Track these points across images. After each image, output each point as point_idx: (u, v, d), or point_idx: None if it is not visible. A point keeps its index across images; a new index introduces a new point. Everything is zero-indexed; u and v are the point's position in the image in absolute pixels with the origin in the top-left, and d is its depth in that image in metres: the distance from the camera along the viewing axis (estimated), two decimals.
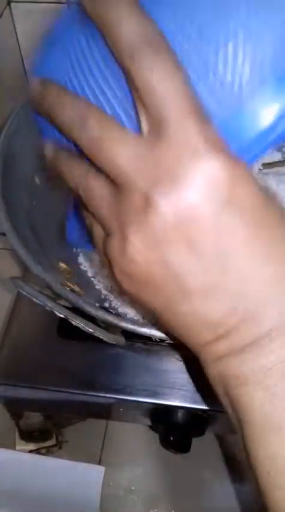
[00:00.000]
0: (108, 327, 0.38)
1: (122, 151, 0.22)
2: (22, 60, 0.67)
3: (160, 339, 0.39)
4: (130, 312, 0.45)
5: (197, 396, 0.45)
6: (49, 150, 0.28)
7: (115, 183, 0.23)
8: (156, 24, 0.21)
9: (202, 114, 0.21)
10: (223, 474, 0.59)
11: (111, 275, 0.25)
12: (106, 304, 0.46)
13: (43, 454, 0.60)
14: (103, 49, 0.22)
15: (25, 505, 0.56)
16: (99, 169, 0.23)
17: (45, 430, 0.61)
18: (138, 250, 0.22)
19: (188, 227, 0.21)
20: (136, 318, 0.45)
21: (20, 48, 0.66)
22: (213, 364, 0.25)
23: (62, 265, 0.46)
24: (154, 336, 0.36)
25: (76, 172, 0.25)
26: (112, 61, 0.22)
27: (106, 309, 0.43)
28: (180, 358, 0.46)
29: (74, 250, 0.52)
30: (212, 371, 0.25)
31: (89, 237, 0.28)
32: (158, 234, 0.22)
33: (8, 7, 0.61)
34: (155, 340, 0.40)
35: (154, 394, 0.45)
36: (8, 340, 0.49)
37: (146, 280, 0.23)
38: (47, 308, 0.34)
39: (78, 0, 0.23)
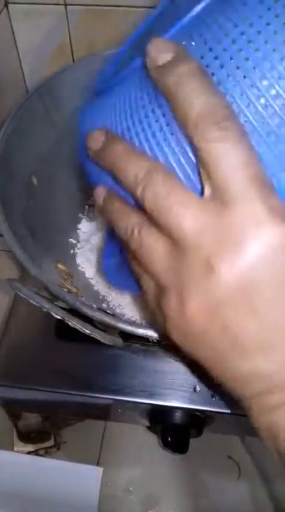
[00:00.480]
0: (106, 328, 0.38)
1: (187, 214, 0.22)
2: (20, 62, 0.67)
3: (158, 340, 0.39)
4: (128, 313, 0.45)
5: (195, 396, 0.45)
6: (100, 194, 0.28)
7: (174, 242, 0.23)
8: (224, 96, 0.22)
9: (265, 183, 0.22)
10: (221, 474, 0.59)
11: (161, 325, 0.26)
12: (104, 305, 0.46)
13: (41, 455, 0.60)
14: (167, 112, 0.23)
15: (23, 506, 0.56)
16: (154, 223, 0.24)
17: (44, 431, 0.61)
18: (197, 313, 0.23)
19: (249, 292, 0.22)
20: (133, 319, 0.45)
21: (17, 49, 0.66)
22: (261, 414, 0.25)
23: (60, 266, 0.46)
24: (151, 337, 0.36)
25: (128, 223, 0.25)
26: (176, 125, 0.23)
27: (103, 310, 0.43)
28: (177, 359, 0.46)
29: (71, 251, 0.52)
30: (260, 420, 0.26)
31: (137, 283, 0.28)
32: (220, 298, 0.22)
33: (5, 8, 0.61)
34: (153, 341, 0.40)
35: (151, 395, 0.45)
36: (5, 341, 0.49)
37: (201, 338, 0.24)
38: (44, 310, 0.34)
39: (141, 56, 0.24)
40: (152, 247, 0.24)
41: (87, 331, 0.35)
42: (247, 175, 0.21)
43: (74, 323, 0.34)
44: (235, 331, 0.23)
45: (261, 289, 0.22)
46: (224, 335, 0.23)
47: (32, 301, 0.34)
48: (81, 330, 0.35)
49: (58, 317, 0.34)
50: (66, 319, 0.34)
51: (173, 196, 0.23)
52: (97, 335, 0.35)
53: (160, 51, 0.23)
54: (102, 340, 0.36)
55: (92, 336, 0.35)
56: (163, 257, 0.24)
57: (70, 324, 0.34)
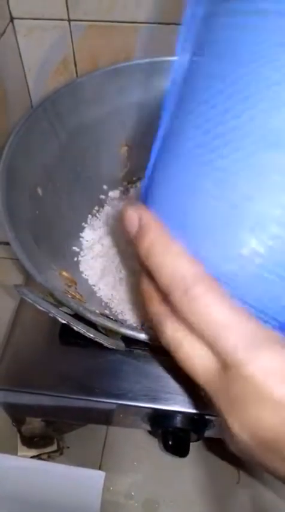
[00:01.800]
0: (108, 332, 0.39)
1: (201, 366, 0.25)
2: (25, 76, 0.69)
3: (159, 346, 0.40)
4: (130, 319, 0.46)
5: (195, 401, 0.46)
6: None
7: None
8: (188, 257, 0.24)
9: (253, 339, 0.22)
10: (221, 479, 0.60)
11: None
12: (107, 311, 0.47)
13: (44, 459, 0.61)
14: None
15: (26, 509, 0.56)
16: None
17: (47, 436, 0.61)
18: (239, 439, 0.24)
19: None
20: (135, 324, 0.46)
21: (22, 63, 0.68)
22: None
23: (64, 273, 0.47)
24: (152, 343, 0.37)
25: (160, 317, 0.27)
26: None
27: (106, 316, 0.44)
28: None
29: (75, 259, 0.53)
30: None
31: None
32: (240, 444, 0.24)
33: (11, 23, 0.63)
34: (154, 346, 0.41)
35: (153, 399, 0.46)
36: (10, 346, 0.50)
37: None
38: (50, 315, 0.35)
39: None
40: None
41: (91, 335, 0.36)
42: (233, 338, 0.22)
43: (79, 327, 0.35)
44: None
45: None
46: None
47: (38, 306, 0.35)
48: (85, 334, 0.36)
49: (64, 321, 0.36)
50: (71, 323, 0.36)
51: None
52: (101, 339, 0.36)
53: (129, 222, 0.26)
54: (105, 344, 0.37)
55: (96, 339, 0.36)
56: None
57: (75, 328, 0.36)
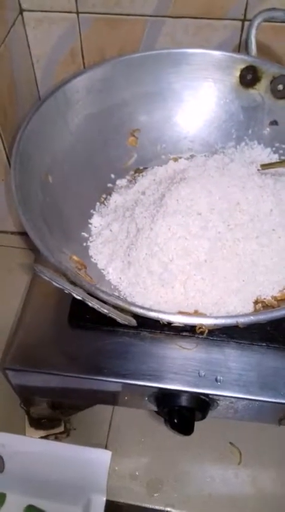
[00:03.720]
0: (119, 311, 0.40)
1: None
2: (33, 67, 0.70)
3: (168, 322, 0.42)
4: (138, 301, 0.48)
5: (199, 380, 0.47)
6: None
7: None
8: None
9: None
10: (223, 460, 0.62)
11: None
12: (116, 294, 0.49)
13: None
14: None
15: (34, 488, 0.58)
16: None
17: (54, 418, 0.63)
18: None
19: None
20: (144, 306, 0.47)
21: (31, 55, 0.69)
22: None
23: (74, 257, 0.49)
24: (162, 319, 0.39)
25: None
26: None
27: (117, 296, 0.45)
28: (184, 346, 0.49)
29: (84, 244, 0.55)
30: None
31: None
32: None
33: (20, 15, 0.64)
34: (162, 324, 0.42)
35: (159, 379, 0.47)
36: (21, 328, 0.51)
37: None
38: (66, 291, 0.37)
39: None
40: None
41: (105, 311, 0.37)
42: None
43: (93, 303, 0.37)
44: None
45: None
46: None
47: (54, 283, 0.37)
48: (99, 310, 0.37)
49: (79, 298, 0.37)
50: (86, 299, 0.37)
51: None
52: (114, 314, 0.38)
53: None
54: (118, 319, 0.39)
55: (109, 315, 0.38)
56: None
57: (89, 304, 0.37)
